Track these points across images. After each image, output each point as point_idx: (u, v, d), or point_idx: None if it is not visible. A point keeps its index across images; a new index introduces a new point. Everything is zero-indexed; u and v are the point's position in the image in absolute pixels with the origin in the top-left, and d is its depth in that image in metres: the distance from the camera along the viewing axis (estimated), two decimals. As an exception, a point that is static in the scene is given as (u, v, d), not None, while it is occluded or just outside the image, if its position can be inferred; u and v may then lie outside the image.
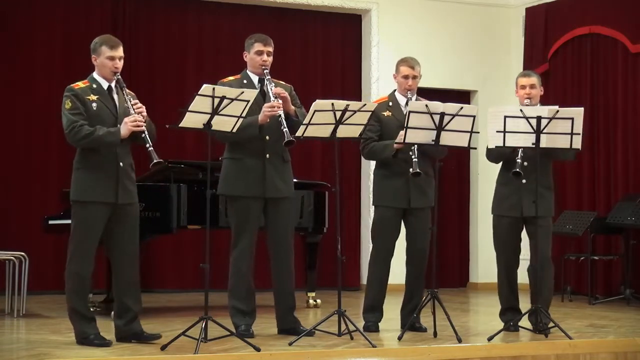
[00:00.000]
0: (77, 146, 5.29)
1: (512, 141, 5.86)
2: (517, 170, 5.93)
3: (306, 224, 7.62)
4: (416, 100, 6.07)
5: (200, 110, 5.23)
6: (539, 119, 5.81)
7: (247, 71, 5.89)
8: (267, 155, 5.73)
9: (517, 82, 6.34)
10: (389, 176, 6.12)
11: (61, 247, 8.66)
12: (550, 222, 6.28)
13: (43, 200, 8.81)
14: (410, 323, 5.96)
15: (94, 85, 5.35)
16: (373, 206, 6.29)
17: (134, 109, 5.27)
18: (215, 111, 5.25)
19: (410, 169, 5.94)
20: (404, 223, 6.19)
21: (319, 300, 7.91)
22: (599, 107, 9.43)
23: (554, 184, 6.34)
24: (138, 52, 9.43)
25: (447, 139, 5.81)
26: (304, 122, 5.50)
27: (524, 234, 6.34)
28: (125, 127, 5.23)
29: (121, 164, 5.32)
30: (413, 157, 5.88)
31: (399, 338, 5.70)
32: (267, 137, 5.70)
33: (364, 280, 8.72)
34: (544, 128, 5.82)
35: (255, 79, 5.85)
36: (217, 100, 5.22)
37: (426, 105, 5.75)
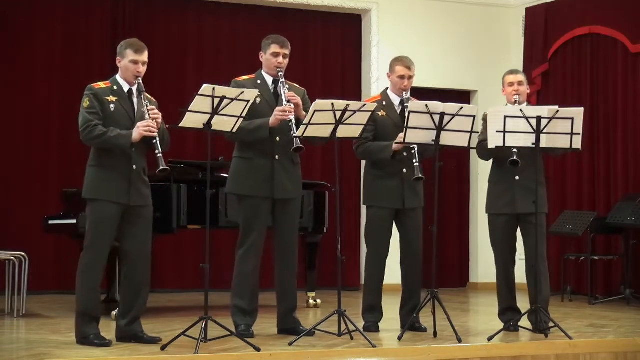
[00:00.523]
0: (89, 145, 5.33)
1: (512, 141, 5.85)
2: (515, 159, 5.91)
3: (306, 224, 7.61)
4: (408, 99, 6.06)
5: (200, 110, 5.23)
6: (539, 119, 5.81)
7: (262, 72, 5.89)
8: (277, 157, 5.74)
9: (505, 80, 6.36)
10: (382, 177, 6.11)
11: (61, 247, 8.71)
12: (544, 219, 6.28)
13: (43, 200, 8.81)
14: (410, 323, 5.95)
15: (115, 87, 5.38)
16: (365, 206, 6.26)
17: (149, 115, 5.28)
18: (215, 111, 5.25)
19: (404, 170, 5.96)
20: (396, 224, 6.18)
21: (319, 300, 7.92)
22: (599, 107, 9.44)
23: (545, 180, 6.34)
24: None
25: (447, 139, 5.80)
26: (304, 122, 5.50)
27: (518, 233, 6.34)
28: (137, 132, 5.25)
29: (134, 166, 5.34)
30: (415, 161, 5.88)
31: (399, 338, 5.70)
32: (278, 139, 5.70)
33: (364, 280, 8.75)
34: (544, 128, 5.81)
35: (269, 80, 5.85)
36: (217, 100, 5.22)
37: (426, 105, 5.75)
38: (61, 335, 5.80)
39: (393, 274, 6.32)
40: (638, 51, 9.06)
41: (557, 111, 5.82)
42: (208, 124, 5.29)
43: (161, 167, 5.20)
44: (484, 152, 6.26)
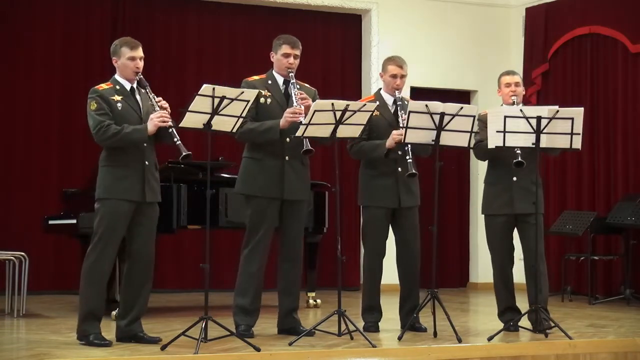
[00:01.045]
0: (104, 145, 5.32)
1: (512, 141, 5.85)
2: (520, 160, 5.90)
3: (306, 224, 7.54)
4: (401, 99, 6.06)
5: (201, 110, 5.23)
6: (539, 119, 5.81)
7: (273, 72, 5.88)
8: (287, 157, 5.73)
9: (501, 80, 6.36)
10: (377, 176, 6.11)
11: (61, 247, 8.71)
12: (542, 218, 6.28)
13: (43, 200, 8.82)
14: (410, 323, 5.95)
15: (117, 87, 5.40)
16: (362, 207, 6.26)
17: (158, 106, 5.30)
18: (215, 111, 5.25)
19: (399, 169, 5.97)
20: (392, 225, 6.17)
21: (319, 300, 7.91)
22: (599, 107, 9.44)
23: (542, 180, 6.34)
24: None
25: (447, 139, 5.80)
26: (304, 122, 5.50)
27: (514, 233, 6.34)
28: (152, 123, 5.26)
29: (147, 162, 5.36)
30: (408, 158, 5.88)
31: (399, 338, 5.70)
32: (288, 140, 5.70)
33: (362, 280, 8.75)
34: (544, 128, 5.82)
35: (280, 80, 5.85)
36: (217, 100, 5.22)
37: (426, 105, 5.75)
38: (61, 335, 5.80)
39: (392, 273, 6.32)
40: (638, 51, 9.06)
41: (557, 111, 5.82)
42: (208, 124, 5.29)
43: (184, 153, 5.20)
44: (482, 152, 6.27)
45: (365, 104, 5.69)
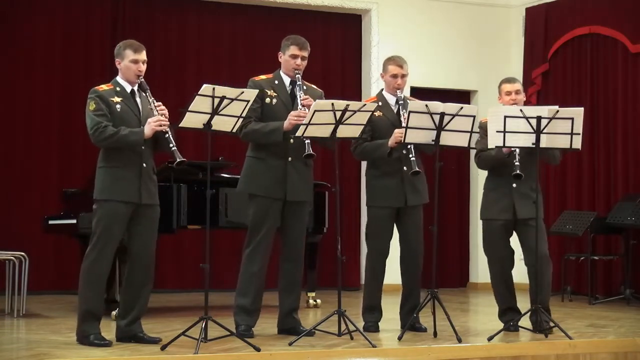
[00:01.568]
0: (101, 146, 5.32)
1: (512, 141, 5.85)
2: (518, 172, 5.92)
3: (306, 224, 7.60)
4: (403, 98, 6.06)
5: (201, 110, 5.23)
6: (539, 119, 5.81)
7: (280, 72, 5.88)
8: (290, 158, 5.74)
9: (502, 88, 6.32)
10: (381, 176, 6.11)
11: (61, 247, 8.71)
12: (542, 221, 6.27)
13: (43, 200, 8.82)
14: (410, 323, 5.95)
15: (118, 89, 5.40)
16: (367, 206, 6.26)
17: (157, 110, 5.30)
18: (215, 111, 5.25)
19: (405, 168, 5.97)
20: (396, 223, 6.18)
21: (319, 300, 7.92)
22: (599, 107, 9.44)
23: (542, 182, 6.33)
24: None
25: (447, 139, 5.80)
26: (304, 122, 5.50)
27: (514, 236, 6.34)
28: (149, 127, 5.27)
29: (145, 164, 5.36)
30: (411, 156, 5.88)
31: (399, 338, 5.70)
32: (292, 140, 5.70)
33: (364, 280, 8.73)
34: (544, 128, 5.81)
35: (287, 80, 5.85)
36: (217, 100, 5.22)
37: (426, 105, 5.75)
38: (61, 335, 5.80)
39: (393, 273, 6.32)
40: (638, 51, 9.07)
41: (557, 111, 5.82)
42: (208, 124, 5.29)
43: (178, 159, 5.22)
44: (484, 162, 6.26)
45: (365, 104, 5.69)
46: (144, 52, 5.44)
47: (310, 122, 5.47)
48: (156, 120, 5.28)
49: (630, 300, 8.46)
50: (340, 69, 10.28)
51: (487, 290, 8.96)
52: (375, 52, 10.10)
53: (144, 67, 5.42)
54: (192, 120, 5.25)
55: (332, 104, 5.50)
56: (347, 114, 5.54)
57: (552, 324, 5.91)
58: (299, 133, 5.50)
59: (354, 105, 5.56)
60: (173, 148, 5.26)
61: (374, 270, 6.18)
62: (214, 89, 5.20)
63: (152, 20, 9.55)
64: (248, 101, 5.35)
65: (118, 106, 5.33)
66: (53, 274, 8.83)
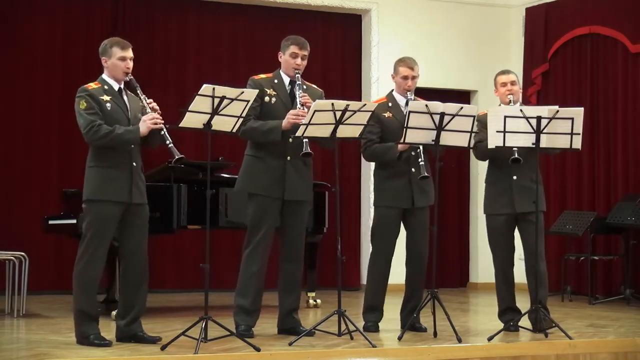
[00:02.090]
0: (95, 145, 5.29)
1: (512, 141, 5.85)
2: (516, 157, 5.90)
3: (306, 224, 7.59)
4: (414, 100, 6.06)
5: (200, 110, 5.23)
6: (539, 119, 5.81)
7: (280, 71, 5.88)
8: (289, 157, 5.74)
9: (497, 80, 6.34)
10: (390, 177, 6.12)
11: (61, 247, 8.71)
12: (542, 216, 6.28)
13: (43, 200, 8.82)
14: (410, 323, 5.95)
15: (106, 87, 5.39)
16: (374, 206, 6.27)
17: (149, 108, 5.29)
18: (215, 111, 5.25)
19: (413, 170, 5.97)
20: (403, 223, 6.18)
21: (319, 300, 7.92)
22: (599, 107, 9.44)
23: (541, 178, 6.34)
24: (138, 52, 9.30)
25: (447, 139, 5.80)
26: (304, 122, 5.50)
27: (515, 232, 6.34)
28: (144, 125, 5.26)
29: (134, 163, 5.35)
30: (420, 161, 5.87)
31: (399, 338, 5.70)
32: (290, 140, 5.70)
33: (364, 280, 8.70)
34: (544, 128, 5.81)
35: (286, 80, 5.85)
36: (217, 100, 5.22)
37: (426, 105, 5.75)
38: (61, 335, 5.80)
39: (394, 274, 6.31)
40: (638, 51, 9.06)
41: (557, 111, 5.82)
42: (208, 124, 5.29)
43: (177, 157, 5.20)
44: (481, 153, 6.27)
45: (365, 104, 5.69)
46: (131, 49, 5.45)
47: (310, 122, 5.47)
48: (151, 118, 5.26)
49: (630, 300, 8.46)
50: (340, 69, 10.28)
51: (487, 290, 8.98)
52: (375, 52, 10.10)
53: (131, 64, 5.41)
54: (192, 120, 5.25)
55: (332, 104, 5.50)
56: (347, 114, 5.54)
57: (552, 324, 5.91)
58: (299, 133, 5.50)
59: (354, 105, 5.56)
60: (170, 145, 5.24)
61: (378, 271, 6.18)
62: (214, 89, 5.20)
63: (152, 20, 9.55)
64: (248, 101, 5.35)
65: (108, 105, 5.31)
66: (53, 274, 8.82)
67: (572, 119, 5.81)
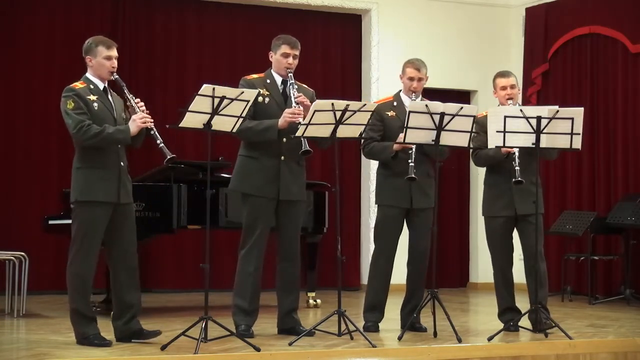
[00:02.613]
0: (85, 145, 5.24)
1: (512, 141, 5.85)
2: (519, 179, 5.91)
3: (306, 224, 7.59)
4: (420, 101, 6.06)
5: (200, 110, 5.23)
6: (539, 119, 5.81)
7: (272, 71, 5.88)
8: (283, 157, 5.73)
9: (496, 83, 6.32)
10: (390, 176, 6.12)
11: (61, 247, 8.68)
12: (542, 218, 6.28)
13: (43, 200, 8.81)
14: (410, 323, 5.96)
15: (91, 86, 5.36)
16: (376, 205, 6.28)
17: (138, 108, 5.29)
18: (215, 111, 5.25)
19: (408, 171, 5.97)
20: (406, 223, 6.19)
21: (319, 300, 7.92)
22: (599, 107, 9.44)
23: (540, 181, 6.34)
24: (138, 52, 9.43)
25: (447, 139, 5.80)
26: (304, 122, 5.50)
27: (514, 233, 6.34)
28: (135, 124, 5.25)
29: (122, 163, 5.34)
30: (410, 161, 5.87)
31: (399, 338, 5.70)
32: (284, 139, 5.70)
33: (364, 280, 8.72)
34: (544, 128, 5.81)
35: (278, 79, 5.85)
36: (217, 100, 5.21)
37: (426, 105, 5.75)
38: (61, 335, 5.80)
39: (395, 274, 6.30)
40: (638, 51, 9.06)
41: (557, 111, 5.82)
42: (208, 124, 5.28)
43: (169, 156, 5.20)
44: (481, 160, 6.27)
45: (365, 104, 5.68)
46: (115, 49, 5.42)
47: (310, 122, 5.47)
48: (141, 117, 5.25)
49: (630, 300, 8.46)
50: (340, 69, 10.27)
51: (487, 290, 8.98)
52: (375, 52, 10.09)
53: (116, 64, 5.39)
54: (192, 120, 5.25)
55: (332, 104, 5.50)
56: (347, 113, 5.54)
57: (552, 324, 5.91)
58: (299, 133, 5.50)
59: (354, 105, 5.56)
60: (161, 145, 5.23)
61: (379, 270, 6.17)
62: (214, 89, 5.20)
63: (152, 20, 9.55)
64: (248, 101, 5.35)
65: (95, 104, 5.29)
66: (53, 274, 8.81)
67: (572, 119, 5.81)
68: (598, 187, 9.41)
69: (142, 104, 5.34)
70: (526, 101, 9.58)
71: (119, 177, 5.30)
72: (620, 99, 9.27)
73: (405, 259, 6.22)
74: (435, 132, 5.75)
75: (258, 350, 5.09)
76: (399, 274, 6.30)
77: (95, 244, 5.26)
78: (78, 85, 5.34)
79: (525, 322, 6.16)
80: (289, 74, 5.76)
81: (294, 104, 5.64)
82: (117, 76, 5.36)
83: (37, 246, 8.38)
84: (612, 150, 9.32)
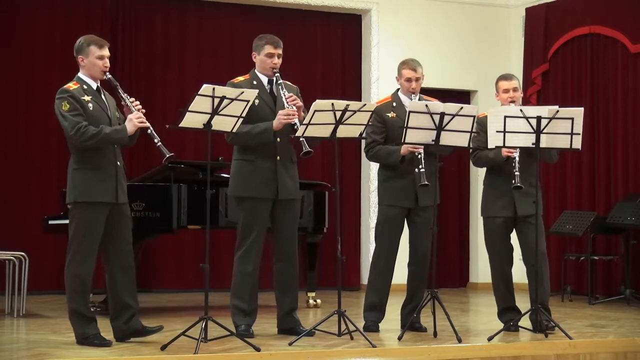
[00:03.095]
0: (82, 147, 5.22)
1: (512, 141, 5.85)
2: (519, 184, 5.92)
3: (306, 224, 7.61)
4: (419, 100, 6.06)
5: (200, 110, 5.22)
6: (539, 119, 5.81)
7: (256, 71, 5.87)
8: (278, 157, 5.74)
9: (499, 86, 6.31)
10: (393, 176, 6.11)
11: (61, 247, 8.63)
12: (541, 219, 6.28)
13: (43, 200, 8.81)
14: (410, 323, 5.95)
15: (85, 87, 5.34)
16: (378, 205, 6.27)
17: (134, 107, 5.28)
18: (215, 111, 5.25)
19: (416, 170, 5.93)
20: (407, 222, 6.18)
21: (319, 300, 7.92)
22: (599, 107, 9.43)
23: (541, 182, 6.34)
24: (138, 52, 9.43)
25: (447, 139, 5.80)
26: (304, 122, 5.50)
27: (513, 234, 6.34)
28: (131, 124, 5.24)
29: (119, 163, 5.34)
30: (420, 168, 5.85)
31: (399, 338, 5.70)
32: (279, 139, 5.70)
33: (364, 280, 8.72)
34: (544, 128, 5.81)
35: (264, 80, 5.84)
36: (217, 100, 5.21)
37: (426, 105, 5.75)
38: (61, 335, 5.80)
39: (396, 274, 6.30)
40: (638, 51, 9.06)
41: (557, 111, 5.82)
42: (208, 124, 5.28)
43: (167, 155, 5.20)
44: (481, 162, 6.27)
45: (365, 104, 5.68)
46: (107, 48, 5.39)
47: (310, 122, 5.47)
48: (138, 116, 5.25)
49: (630, 300, 8.46)
50: (340, 69, 10.27)
51: (487, 290, 8.97)
52: (375, 52, 10.09)
53: (109, 63, 5.37)
54: (192, 120, 5.25)
55: (332, 104, 5.50)
56: (347, 113, 5.54)
57: (552, 324, 5.92)
58: (299, 133, 5.50)
59: (354, 105, 5.56)
60: (159, 144, 5.23)
61: (380, 269, 6.17)
62: (214, 89, 5.20)
63: (152, 20, 9.55)
64: (248, 101, 5.35)
65: (90, 105, 5.27)
66: (53, 274, 8.80)
67: (572, 119, 5.81)
68: (598, 187, 9.41)
69: (137, 102, 5.33)
70: (526, 101, 9.57)
71: (116, 177, 5.30)
72: (620, 99, 9.27)
73: (406, 259, 6.22)
74: (435, 132, 5.75)
75: (258, 350, 5.09)
76: (400, 274, 6.30)
77: (94, 244, 5.25)
78: (72, 86, 5.31)
79: (525, 322, 6.15)
80: (276, 74, 5.75)
81: (285, 105, 5.63)
82: (109, 75, 5.34)
83: (37, 246, 8.38)
84: (612, 150, 9.32)
